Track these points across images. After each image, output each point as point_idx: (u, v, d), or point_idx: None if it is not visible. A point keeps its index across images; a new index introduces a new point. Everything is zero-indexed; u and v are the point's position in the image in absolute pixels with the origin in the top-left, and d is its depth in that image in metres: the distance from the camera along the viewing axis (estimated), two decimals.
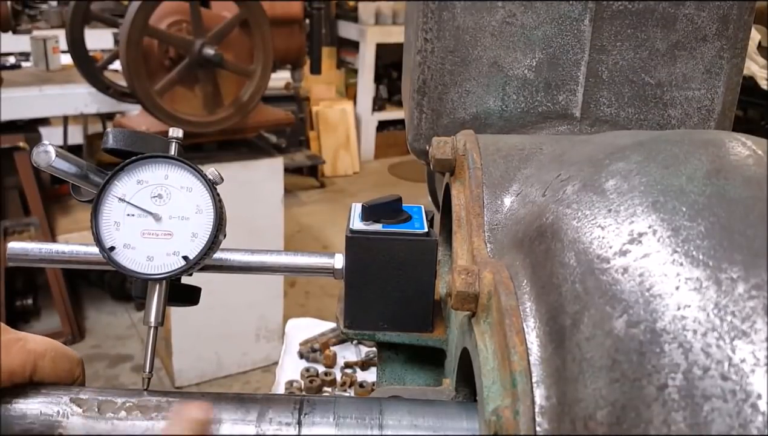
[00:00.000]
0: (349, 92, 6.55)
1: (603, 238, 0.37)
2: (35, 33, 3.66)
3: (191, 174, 0.52)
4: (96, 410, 0.47)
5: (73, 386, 0.49)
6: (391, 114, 6.48)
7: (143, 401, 0.48)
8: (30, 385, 0.48)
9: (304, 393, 1.63)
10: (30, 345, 0.47)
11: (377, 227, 0.59)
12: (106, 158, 0.58)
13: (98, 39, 3.60)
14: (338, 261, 0.61)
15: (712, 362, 0.29)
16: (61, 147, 0.51)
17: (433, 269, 0.59)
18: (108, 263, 0.51)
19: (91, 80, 3.06)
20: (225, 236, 0.53)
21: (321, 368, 1.80)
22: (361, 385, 1.69)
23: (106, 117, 3.93)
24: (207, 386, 3.18)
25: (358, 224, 0.59)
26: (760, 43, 3.64)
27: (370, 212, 0.59)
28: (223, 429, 0.47)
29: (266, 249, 0.63)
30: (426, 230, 0.59)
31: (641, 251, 0.35)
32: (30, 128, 3.25)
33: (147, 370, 0.50)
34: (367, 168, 6.38)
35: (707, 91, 0.71)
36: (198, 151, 2.93)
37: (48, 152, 0.49)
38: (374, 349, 1.74)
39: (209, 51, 2.63)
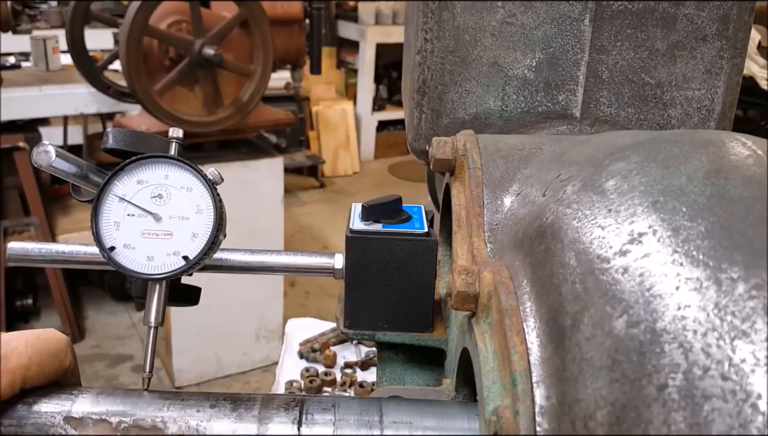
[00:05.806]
0: (349, 92, 6.55)
1: (603, 238, 0.37)
2: (35, 33, 3.66)
3: (191, 174, 0.52)
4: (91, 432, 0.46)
5: (65, 392, 0.48)
6: (391, 114, 6.48)
7: (138, 420, 0.47)
8: (20, 396, 0.47)
9: (304, 393, 1.62)
10: (12, 363, 0.45)
11: (377, 227, 0.59)
12: (106, 158, 0.57)
13: (98, 39, 3.61)
14: (338, 261, 0.61)
15: (712, 362, 0.29)
16: (61, 147, 0.51)
17: (433, 269, 0.59)
18: (108, 263, 0.51)
19: (91, 80, 3.07)
20: (225, 236, 0.53)
21: (321, 368, 1.80)
22: (361, 385, 1.70)
23: (106, 117, 3.94)
24: (207, 386, 3.18)
25: (358, 224, 0.59)
26: (760, 43, 3.64)
27: (370, 212, 0.59)
28: (223, 429, 0.47)
29: (266, 249, 0.63)
30: (426, 230, 0.58)
31: (641, 251, 0.35)
32: (30, 128, 3.26)
33: (147, 370, 0.50)
34: (367, 168, 6.38)
35: (707, 91, 0.71)
36: (198, 151, 2.93)
37: (48, 152, 0.49)
38: (374, 349, 1.74)
39: (209, 51, 2.63)
